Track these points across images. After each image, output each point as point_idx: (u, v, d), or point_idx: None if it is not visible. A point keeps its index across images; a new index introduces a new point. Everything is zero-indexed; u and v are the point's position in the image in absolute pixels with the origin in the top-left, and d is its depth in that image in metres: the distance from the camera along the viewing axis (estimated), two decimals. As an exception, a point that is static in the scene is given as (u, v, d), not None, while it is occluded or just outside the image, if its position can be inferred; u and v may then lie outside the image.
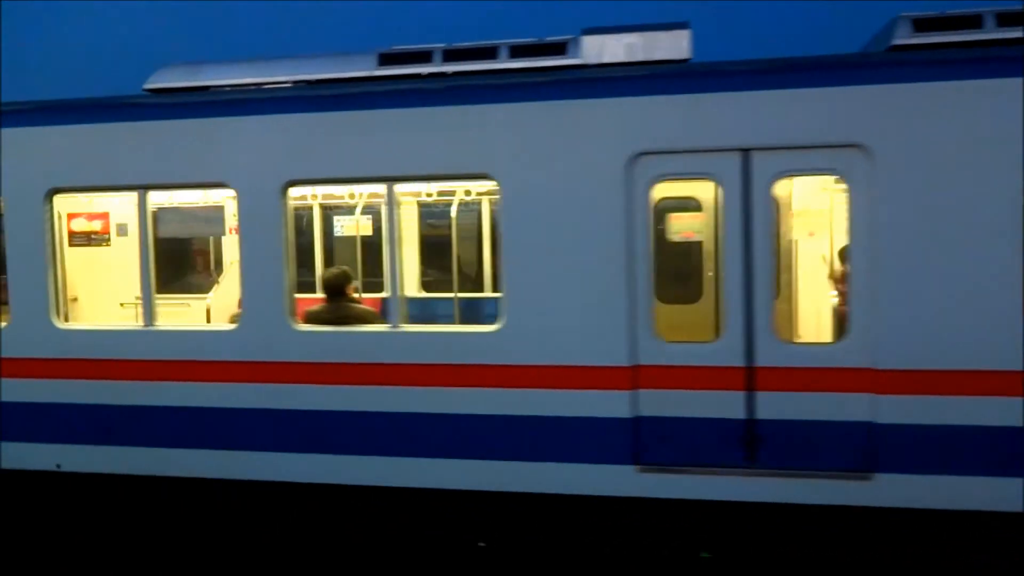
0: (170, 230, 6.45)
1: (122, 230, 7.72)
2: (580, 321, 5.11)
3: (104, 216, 7.76)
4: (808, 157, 4.85)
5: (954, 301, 4.69)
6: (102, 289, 7.71)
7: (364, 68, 5.97)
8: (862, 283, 4.83)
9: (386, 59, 5.93)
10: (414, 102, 5.31)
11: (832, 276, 6.49)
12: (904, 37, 5.09)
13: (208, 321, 7.41)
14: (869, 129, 4.70)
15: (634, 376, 5.09)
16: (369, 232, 8.39)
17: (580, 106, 5.04)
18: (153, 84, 6.31)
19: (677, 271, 7.05)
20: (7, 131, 5.91)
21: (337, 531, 5.95)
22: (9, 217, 5.97)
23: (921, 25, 5.13)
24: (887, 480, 4.84)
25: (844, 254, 5.61)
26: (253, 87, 6.04)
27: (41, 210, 5.88)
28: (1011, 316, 4.62)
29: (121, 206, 7.59)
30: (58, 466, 6.03)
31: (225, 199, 7.01)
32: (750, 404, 5.00)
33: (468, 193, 7.59)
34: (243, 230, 5.58)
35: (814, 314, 6.74)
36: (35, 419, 6.03)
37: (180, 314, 8.05)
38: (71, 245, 7.37)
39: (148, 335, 5.84)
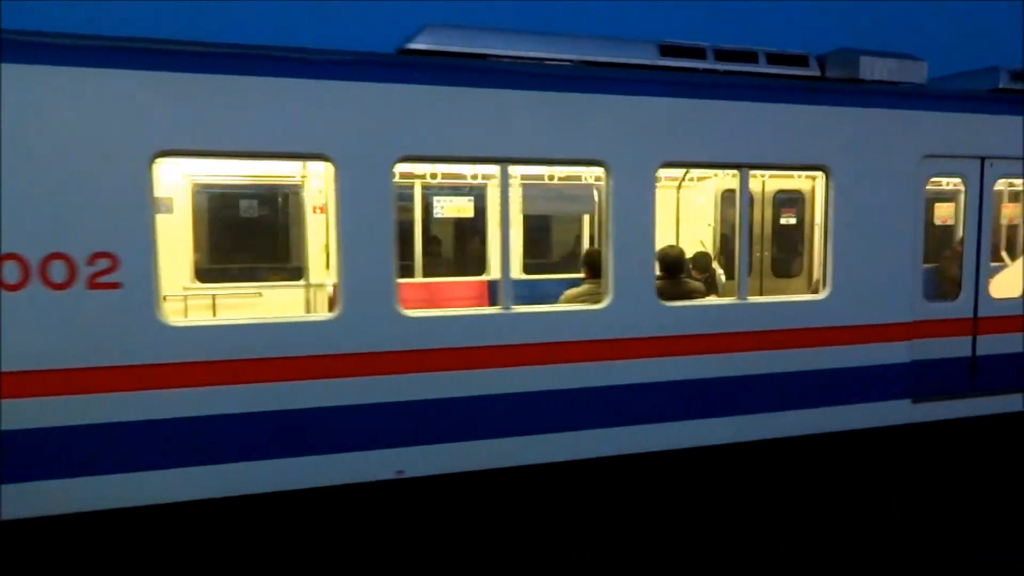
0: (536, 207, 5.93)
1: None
2: (882, 288, 6.38)
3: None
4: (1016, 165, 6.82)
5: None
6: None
7: (647, 57, 6.32)
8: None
9: (666, 51, 6.35)
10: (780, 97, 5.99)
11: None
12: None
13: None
14: None
15: (911, 329, 6.54)
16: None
17: (893, 114, 6.29)
18: (419, 45, 5.75)
19: (936, 247, 8.42)
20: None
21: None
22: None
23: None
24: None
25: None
26: (534, 61, 5.92)
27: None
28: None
29: None
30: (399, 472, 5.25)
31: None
32: (974, 345, 6.83)
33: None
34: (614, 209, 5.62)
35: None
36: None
37: None
38: None
39: (505, 318, 5.46)
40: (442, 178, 8.18)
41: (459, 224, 9.10)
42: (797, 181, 8.80)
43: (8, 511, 4.73)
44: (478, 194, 8.33)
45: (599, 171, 5.72)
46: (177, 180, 7.43)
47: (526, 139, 5.45)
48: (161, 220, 5.01)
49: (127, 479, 4.88)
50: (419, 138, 5.23)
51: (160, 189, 5.72)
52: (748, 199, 6.16)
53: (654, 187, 5.73)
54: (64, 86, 4.52)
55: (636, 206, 5.67)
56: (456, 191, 8.26)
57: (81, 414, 4.76)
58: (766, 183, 8.93)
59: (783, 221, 9.02)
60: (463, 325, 5.42)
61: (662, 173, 6.21)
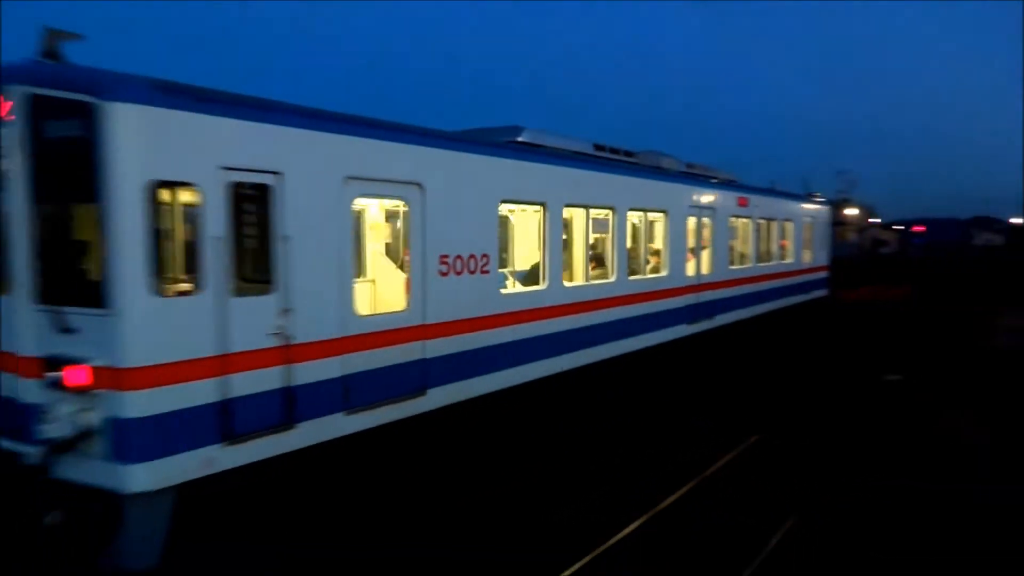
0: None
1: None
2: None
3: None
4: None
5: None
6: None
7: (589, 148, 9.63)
8: None
9: (597, 147, 9.88)
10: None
11: None
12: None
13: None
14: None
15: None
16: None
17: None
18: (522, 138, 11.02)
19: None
20: None
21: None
22: None
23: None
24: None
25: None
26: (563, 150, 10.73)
27: None
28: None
29: None
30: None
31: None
32: None
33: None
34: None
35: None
36: None
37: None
38: None
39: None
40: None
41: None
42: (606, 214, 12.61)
43: (433, 403, 8.73)
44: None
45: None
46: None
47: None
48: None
49: (486, 378, 9.57)
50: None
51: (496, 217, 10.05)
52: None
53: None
54: (469, 168, 9.45)
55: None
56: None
57: (470, 343, 9.28)
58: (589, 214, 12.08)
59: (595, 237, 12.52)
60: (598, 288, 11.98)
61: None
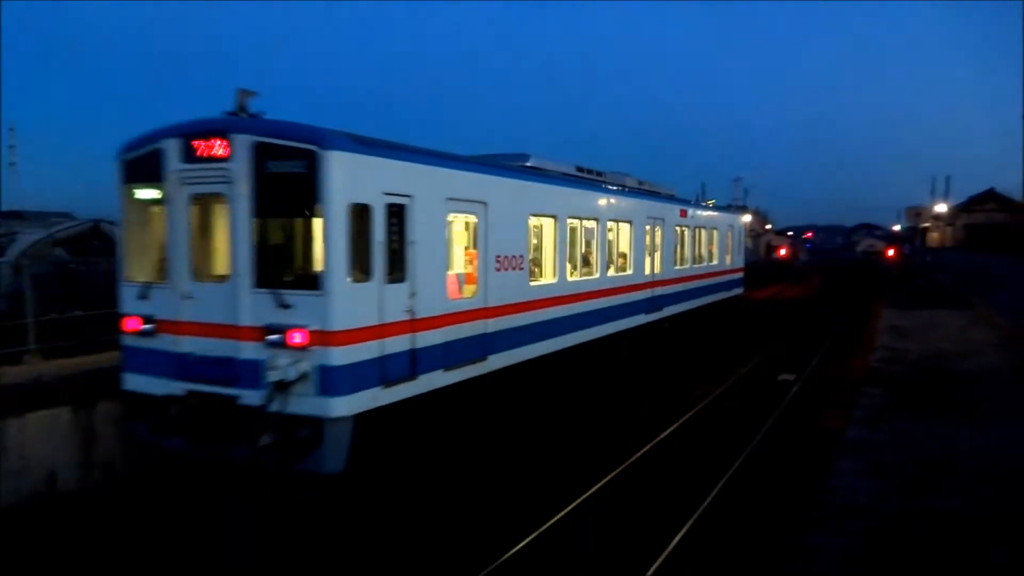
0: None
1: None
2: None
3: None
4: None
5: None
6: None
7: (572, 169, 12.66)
8: None
9: (579, 168, 12.65)
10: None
11: None
12: None
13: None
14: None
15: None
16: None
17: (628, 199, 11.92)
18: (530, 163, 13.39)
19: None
20: None
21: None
22: None
23: None
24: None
25: None
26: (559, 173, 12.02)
27: None
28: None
29: None
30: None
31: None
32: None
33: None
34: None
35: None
36: None
37: None
38: None
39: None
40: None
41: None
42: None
43: (491, 367, 11.71)
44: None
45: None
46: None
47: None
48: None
49: (523, 349, 12.69)
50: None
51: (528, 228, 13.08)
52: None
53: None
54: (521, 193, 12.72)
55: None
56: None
57: (513, 322, 12.33)
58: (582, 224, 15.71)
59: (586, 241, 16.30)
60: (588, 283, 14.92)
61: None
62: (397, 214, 9.60)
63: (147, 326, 9.59)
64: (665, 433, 13.70)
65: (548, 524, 9.59)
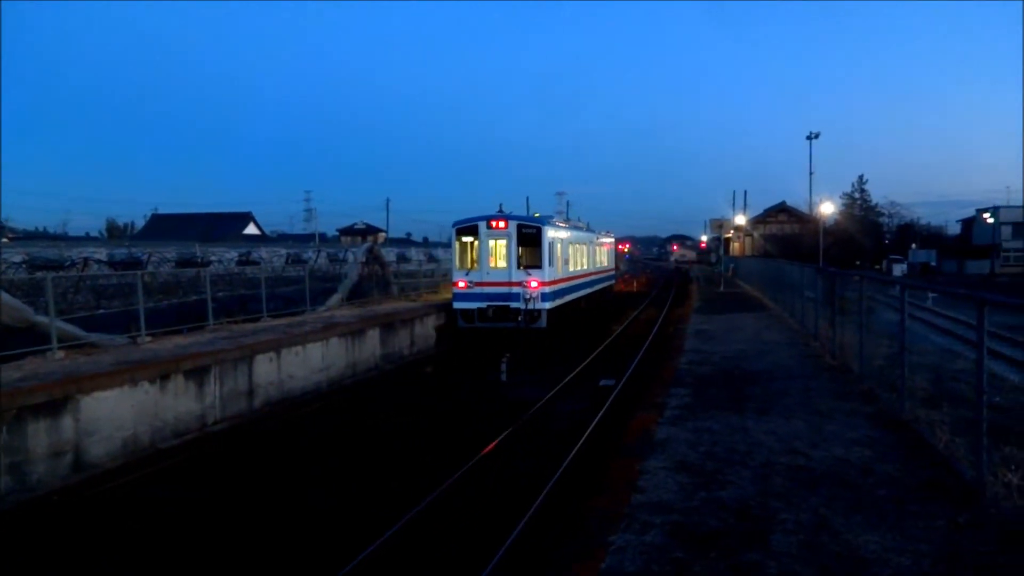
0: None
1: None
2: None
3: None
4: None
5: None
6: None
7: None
8: None
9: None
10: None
11: None
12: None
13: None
14: None
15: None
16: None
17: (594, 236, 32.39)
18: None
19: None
20: None
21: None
22: None
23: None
24: None
25: None
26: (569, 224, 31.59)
27: None
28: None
29: None
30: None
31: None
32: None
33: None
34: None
35: None
36: None
37: None
38: None
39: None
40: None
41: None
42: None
43: (568, 298, 31.46)
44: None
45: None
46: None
47: (574, 238, 32.81)
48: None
49: (571, 295, 32.27)
50: (573, 239, 33.30)
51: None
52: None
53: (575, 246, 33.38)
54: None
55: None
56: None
57: (567, 284, 31.49)
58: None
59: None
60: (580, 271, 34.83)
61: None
62: (555, 242, 28.76)
63: (466, 285, 27.95)
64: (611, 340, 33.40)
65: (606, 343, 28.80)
